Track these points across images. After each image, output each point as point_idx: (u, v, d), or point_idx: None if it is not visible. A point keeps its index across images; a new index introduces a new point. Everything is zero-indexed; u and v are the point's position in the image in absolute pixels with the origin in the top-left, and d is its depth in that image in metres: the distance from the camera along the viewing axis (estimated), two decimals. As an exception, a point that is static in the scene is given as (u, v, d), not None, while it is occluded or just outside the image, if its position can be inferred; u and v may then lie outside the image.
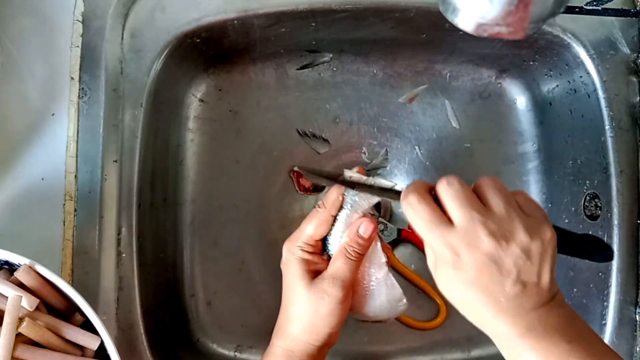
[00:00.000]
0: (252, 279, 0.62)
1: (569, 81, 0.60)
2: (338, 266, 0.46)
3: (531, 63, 0.62)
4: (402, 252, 0.64)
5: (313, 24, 0.57)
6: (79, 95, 0.53)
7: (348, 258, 0.46)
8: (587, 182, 0.59)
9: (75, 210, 0.52)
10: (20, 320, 0.42)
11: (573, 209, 0.60)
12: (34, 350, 0.43)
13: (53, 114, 0.53)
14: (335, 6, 0.54)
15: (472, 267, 0.37)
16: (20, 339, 0.43)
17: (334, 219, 0.47)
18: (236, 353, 0.61)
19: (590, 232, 0.58)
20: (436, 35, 0.59)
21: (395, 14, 0.56)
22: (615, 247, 0.55)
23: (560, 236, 0.40)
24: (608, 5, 0.54)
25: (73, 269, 0.51)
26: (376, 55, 0.64)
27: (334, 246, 0.47)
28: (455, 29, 0.37)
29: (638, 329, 0.55)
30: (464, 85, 0.66)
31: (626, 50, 0.56)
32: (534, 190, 0.65)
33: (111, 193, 0.52)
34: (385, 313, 0.49)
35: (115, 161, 0.53)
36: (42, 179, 0.52)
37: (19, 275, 0.43)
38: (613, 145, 0.56)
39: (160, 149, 0.58)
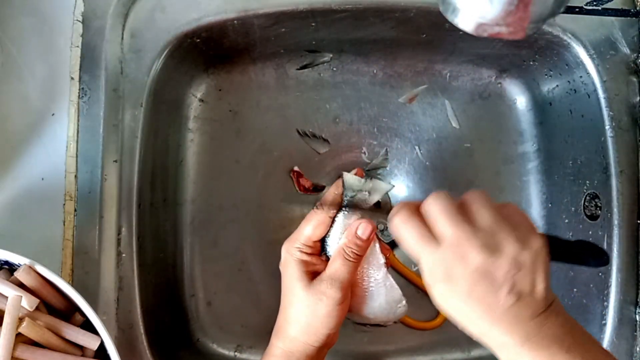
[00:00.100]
0: (252, 279, 0.62)
1: (569, 81, 0.60)
2: (336, 267, 0.46)
3: (531, 63, 0.62)
4: (402, 253, 0.64)
5: (313, 24, 0.57)
6: (79, 95, 0.53)
7: (346, 259, 0.46)
8: (587, 182, 0.59)
9: (75, 210, 0.52)
10: (20, 320, 0.42)
11: (573, 209, 0.60)
12: (34, 350, 0.43)
13: (53, 114, 0.53)
14: (335, 6, 0.54)
15: (464, 281, 0.37)
16: (20, 339, 0.43)
17: (332, 220, 0.47)
18: (236, 353, 0.61)
19: (590, 232, 0.58)
20: (436, 35, 0.59)
21: (395, 14, 0.56)
22: (615, 247, 0.55)
23: (553, 244, 0.40)
24: (608, 5, 0.54)
25: (73, 269, 0.51)
26: (376, 55, 0.64)
27: (332, 247, 0.47)
28: (455, 29, 0.37)
29: (638, 329, 0.55)
30: (464, 85, 0.66)
31: (626, 50, 0.56)
32: (534, 190, 0.65)
33: (111, 193, 0.52)
34: (385, 315, 0.49)
35: (115, 161, 0.53)
36: (42, 179, 0.52)
37: (19, 275, 0.43)
38: (613, 145, 0.56)
39: (160, 149, 0.58)
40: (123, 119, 0.53)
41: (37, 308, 0.44)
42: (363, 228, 0.46)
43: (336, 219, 0.47)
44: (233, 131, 0.63)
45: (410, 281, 0.63)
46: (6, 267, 0.46)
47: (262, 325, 0.60)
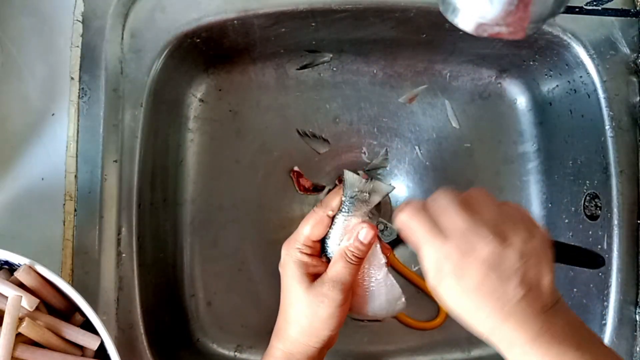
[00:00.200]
0: (252, 279, 0.62)
1: (569, 81, 0.60)
2: (338, 270, 0.46)
3: (531, 63, 0.62)
4: (402, 253, 0.64)
5: (313, 24, 0.57)
6: (79, 95, 0.53)
7: (348, 262, 0.46)
8: (587, 182, 0.59)
9: (75, 210, 0.52)
10: (20, 320, 0.42)
11: (573, 209, 0.60)
12: (34, 350, 0.43)
13: (53, 114, 0.53)
14: (335, 6, 0.54)
15: (473, 273, 0.37)
16: (20, 339, 0.43)
17: (332, 220, 0.47)
18: (236, 353, 0.61)
19: (590, 232, 0.58)
20: (436, 35, 0.59)
21: (395, 14, 0.56)
22: (615, 247, 0.55)
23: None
24: (608, 5, 0.54)
25: (73, 269, 0.51)
26: (376, 55, 0.64)
27: (332, 248, 0.47)
28: (455, 29, 0.37)
29: (638, 329, 0.55)
30: (464, 85, 0.66)
31: (626, 50, 0.56)
32: (534, 190, 0.65)
33: (111, 193, 0.52)
34: (384, 312, 0.49)
35: (115, 161, 0.53)
36: (42, 179, 0.52)
37: (19, 275, 0.43)
38: (613, 145, 0.56)
39: (160, 149, 0.58)
40: (123, 119, 0.53)
41: (37, 308, 0.44)
42: (365, 233, 0.46)
43: (336, 220, 0.47)
44: (233, 131, 0.63)
45: (410, 281, 0.63)
46: (6, 267, 0.46)
47: (262, 325, 0.60)
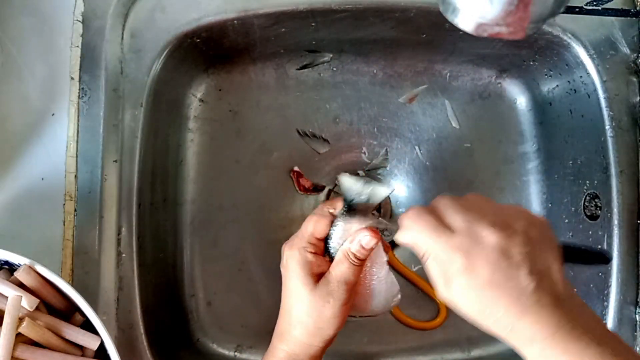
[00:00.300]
0: (252, 279, 0.62)
1: (569, 81, 0.60)
2: (343, 269, 0.45)
3: (531, 63, 0.62)
4: (402, 253, 0.64)
5: (313, 24, 0.57)
6: (79, 95, 0.53)
7: (352, 263, 0.46)
8: (587, 182, 0.59)
9: (75, 210, 0.52)
10: (20, 320, 0.42)
11: (573, 209, 0.60)
12: (34, 350, 0.43)
13: (53, 114, 0.53)
14: (335, 6, 0.54)
15: (483, 266, 0.37)
16: (20, 339, 0.43)
17: (334, 220, 0.47)
18: (236, 353, 0.61)
19: (590, 232, 0.58)
20: (436, 35, 0.59)
21: (395, 14, 0.56)
22: (615, 247, 0.55)
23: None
24: (608, 5, 0.54)
25: (73, 269, 0.51)
26: (376, 55, 0.64)
27: (335, 248, 0.47)
28: (455, 29, 0.37)
29: (638, 329, 0.55)
30: (464, 85, 0.66)
31: (626, 50, 0.56)
32: (534, 190, 0.65)
33: (111, 193, 0.52)
34: (381, 308, 0.49)
35: (115, 161, 0.53)
36: (42, 179, 0.52)
37: (19, 275, 0.43)
38: (613, 145, 0.56)
39: (160, 149, 0.58)
40: (123, 119, 0.53)
41: (37, 308, 0.44)
42: (368, 240, 0.46)
43: (338, 221, 0.47)
44: (233, 131, 0.63)
45: (410, 281, 0.63)
46: (6, 267, 0.46)
47: (262, 325, 0.60)
